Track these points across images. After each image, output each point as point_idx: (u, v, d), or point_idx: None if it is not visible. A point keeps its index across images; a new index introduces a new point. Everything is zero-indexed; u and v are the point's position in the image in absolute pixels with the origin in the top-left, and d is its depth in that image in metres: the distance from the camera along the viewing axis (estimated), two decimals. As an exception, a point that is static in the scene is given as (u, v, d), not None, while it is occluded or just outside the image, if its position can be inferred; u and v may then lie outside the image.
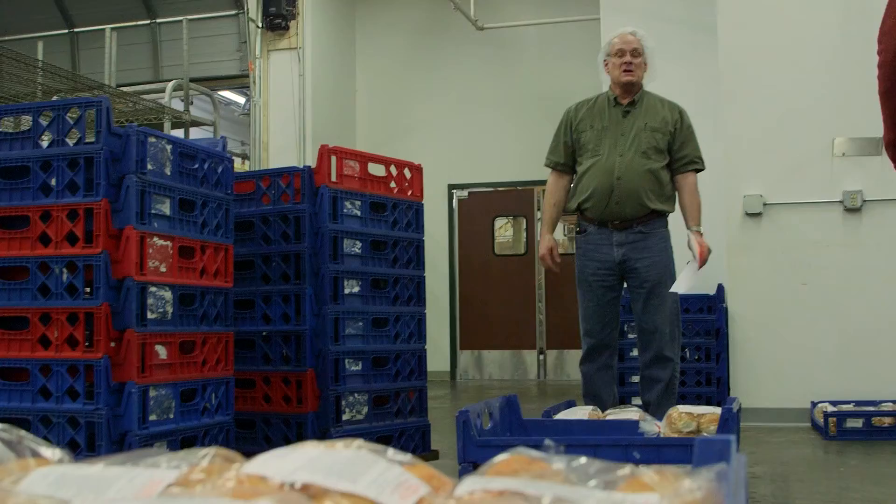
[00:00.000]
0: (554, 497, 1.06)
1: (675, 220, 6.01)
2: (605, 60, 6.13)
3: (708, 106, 9.90)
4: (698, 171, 6.00)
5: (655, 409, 5.61)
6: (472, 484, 1.14)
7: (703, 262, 5.76)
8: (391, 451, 1.24)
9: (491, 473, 1.20)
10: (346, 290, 5.64)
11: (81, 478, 1.24)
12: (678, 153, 5.95)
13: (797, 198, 8.24)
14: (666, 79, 10.12)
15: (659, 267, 5.84)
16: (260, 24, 12.70)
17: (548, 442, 1.25)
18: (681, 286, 5.72)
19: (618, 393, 6.18)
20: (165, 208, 4.50)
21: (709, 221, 9.68)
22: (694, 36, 10.39)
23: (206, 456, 1.29)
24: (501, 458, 1.25)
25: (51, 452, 1.43)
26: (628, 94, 6.03)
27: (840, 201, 8.15)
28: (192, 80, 11.98)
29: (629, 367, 8.63)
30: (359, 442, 1.26)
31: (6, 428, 1.45)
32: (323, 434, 5.44)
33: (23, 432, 1.45)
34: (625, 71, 5.97)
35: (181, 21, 12.19)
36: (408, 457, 1.24)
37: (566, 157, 6.11)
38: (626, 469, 1.16)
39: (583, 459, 1.19)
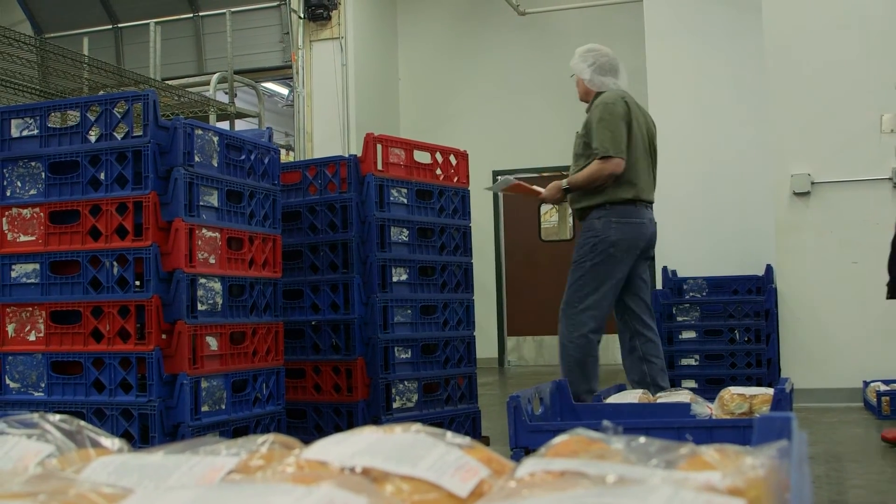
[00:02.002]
0: (617, 477, 1.05)
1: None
2: None
3: (753, 85, 9.83)
4: (602, 157, 6.05)
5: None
6: (532, 465, 1.13)
7: (541, 196, 6.52)
8: (450, 435, 1.24)
9: (550, 455, 1.20)
10: (394, 278, 5.65)
11: (142, 466, 1.25)
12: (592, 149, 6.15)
13: (845, 176, 8.15)
14: (710, 58, 10.15)
15: (575, 256, 6.43)
16: (302, 15, 12.72)
17: (606, 423, 1.24)
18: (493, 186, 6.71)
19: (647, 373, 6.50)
20: (213, 200, 4.52)
21: (756, 201, 9.67)
22: (739, 15, 10.29)
23: (265, 443, 1.30)
24: (560, 439, 1.25)
25: (110, 442, 1.44)
26: None
27: (889, 178, 8.04)
28: (236, 73, 12.04)
29: (677, 349, 8.65)
30: (417, 426, 1.26)
31: (66, 419, 1.46)
32: (374, 422, 5.45)
33: (82, 423, 1.46)
34: None
35: (224, 14, 12.26)
36: (466, 440, 1.24)
37: None
38: (687, 448, 1.15)
39: (642, 439, 1.18)
